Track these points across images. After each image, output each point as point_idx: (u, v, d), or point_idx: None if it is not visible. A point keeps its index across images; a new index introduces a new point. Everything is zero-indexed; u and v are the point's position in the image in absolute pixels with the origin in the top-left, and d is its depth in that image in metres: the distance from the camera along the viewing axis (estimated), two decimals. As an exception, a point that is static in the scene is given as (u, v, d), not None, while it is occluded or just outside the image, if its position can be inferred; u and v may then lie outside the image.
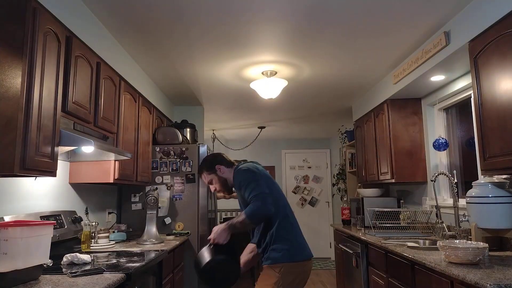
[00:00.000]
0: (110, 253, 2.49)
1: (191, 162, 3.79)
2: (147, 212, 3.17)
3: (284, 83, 3.61)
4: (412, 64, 3.08)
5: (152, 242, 2.98)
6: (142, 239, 3.03)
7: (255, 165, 2.23)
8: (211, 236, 2.08)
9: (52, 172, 1.91)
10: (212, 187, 2.34)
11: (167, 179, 3.76)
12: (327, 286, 5.32)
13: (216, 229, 2.08)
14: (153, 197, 3.18)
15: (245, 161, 2.33)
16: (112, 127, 2.68)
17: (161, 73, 3.64)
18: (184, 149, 3.81)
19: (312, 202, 7.60)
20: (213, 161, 2.29)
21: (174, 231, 3.63)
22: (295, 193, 7.63)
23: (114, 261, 2.20)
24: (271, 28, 2.69)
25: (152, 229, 3.09)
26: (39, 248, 1.67)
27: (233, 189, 2.35)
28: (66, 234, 2.41)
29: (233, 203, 7.58)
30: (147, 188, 3.65)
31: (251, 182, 2.08)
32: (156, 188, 3.60)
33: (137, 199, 3.67)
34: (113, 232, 3.11)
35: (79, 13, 2.26)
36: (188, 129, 4.36)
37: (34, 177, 2.23)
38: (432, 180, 2.88)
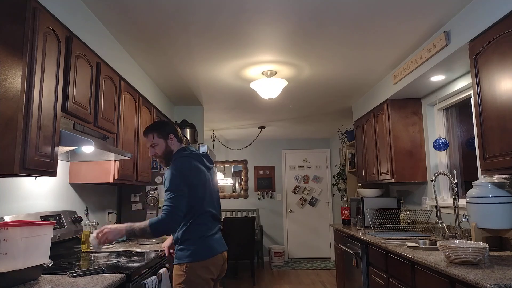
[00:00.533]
0: (110, 253, 2.49)
1: (191, 162, 3.78)
2: (147, 212, 3.18)
3: (284, 83, 3.61)
4: (412, 64, 3.08)
5: (152, 242, 2.98)
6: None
7: (190, 161, 2.15)
8: (102, 232, 1.95)
9: (52, 172, 1.91)
10: (152, 151, 2.23)
11: (167, 179, 3.75)
12: (327, 286, 5.32)
13: (113, 228, 1.96)
14: (153, 197, 3.19)
15: (188, 148, 2.26)
16: (112, 127, 2.68)
17: (161, 73, 3.64)
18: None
19: (312, 202, 7.60)
20: (168, 128, 2.23)
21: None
22: (295, 193, 7.63)
23: (114, 261, 2.20)
24: (271, 28, 2.69)
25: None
26: (39, 248, 1.67)
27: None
28: (66, 234, 2.41)
29: (233, 203, 7.60)
30: (147, 188, 3.66)
31: (173, 185, 2.02)
32: (156, 188, 3.60)
33: (137, 199, 3.67)
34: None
35: (79, 13, 2.26)
36: (188, 129, 4.36)
37: (34, 177, 2.23)
38: (432, 180, 2.88)
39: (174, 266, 2.09)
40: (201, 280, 2.02)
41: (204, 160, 2.27)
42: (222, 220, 5.42)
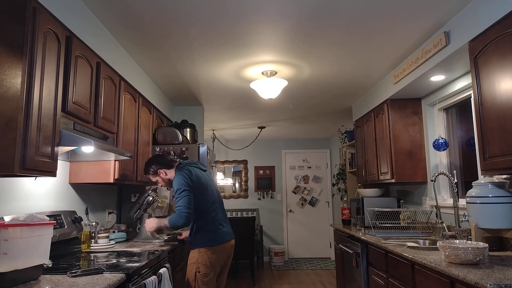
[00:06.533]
0: (110, 253, 2.49)
1: (191, 162, 3.78)
2: (146, 212, 3.19)
3: (284, 83, 3.61)
4: (412, 64, 3.08)
5: (153, 242, 2.97)
6: (141, 238, 3.03)
7: (189, 170, 2.69)
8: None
9: (52, 172, 1.91)
10: (159, 184, 2.82)
11: (167, 179, 3.75)
12: (327, 286, 5.32)
13: (148, 222, 2.79)
14: (152, 198, 3.20)
15: (182, 162, 2.81)
16: (112, 127, 2.68)
17: (161, 73, 3.64)
18: (184, 149, 3.81)
19: (312, 202, 7.60)
20: (156, 166, 2.77)
21: (174, 231, 3.62)
22: (295, 193, 7.63)
23: (114, 261, 2.20)
24: (271, 28, 2.69)
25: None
26: (39, 248, 1.67)
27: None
28: (66, 234, 2.41)
29: (233, 203, 7.60)
30: (147, 188, 3.66)
31: (181, 192, 2.58)
32: (156, 188, 3.60)
33: (137, 199, 3.67)
34: (113, 232, 3.11)
35: (79, 13, 2.26)
36: (188, 129, 4.36)
37: (34, 177, 2.23)
38: (432, 180, 2.88)
39: (191, 250, 2.67)
40: (211, 261, 2.61)
41: (199, 165, 2.85)
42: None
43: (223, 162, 7.71)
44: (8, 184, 2.09)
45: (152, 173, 2.79)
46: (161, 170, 2.77)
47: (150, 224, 2.77)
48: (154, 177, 2.79)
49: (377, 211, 3.60)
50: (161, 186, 2.84)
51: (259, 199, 7.60)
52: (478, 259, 1.95)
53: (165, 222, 2.66)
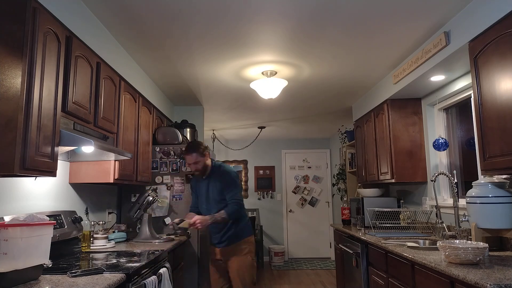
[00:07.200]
0: (110, 253, 2.49)
1: (191, 162, 3.78)
2: (146, 212, 3.19)
3: (284, 83, 3.61)
4: (412, 64, 3.08)
5: (153, 242, 2.97)
6: (141, 238, 3.03)
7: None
8: (198, 221, 2.68)
9: (52, 172, 1.91)
10: (193, 167, 2.88)
11: (167, 179, 3.76)
12: (327, 286, 5.32)
13: (202, 219, 2.71)
14: (152, 198, 3.20)
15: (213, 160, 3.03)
16: (112, 127, 2.68)
17: (161, 73, 3.64)
18: (184, 149, 3.81)
19: (312, 202, 7.60)
20: (205, 149, 2.90)
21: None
22: (295, 193, 7.63)
23: (114, 261, 2.20)
24: (271, 28, 2.69)
25: (147, 229, 3.11)
26: (39, 248, 1.67)
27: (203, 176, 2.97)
28: (66, 234, 2.41)
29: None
30: (147, 188, 3.66)
31: (235, 187, 2.84)
32: (156, 188, 3.60)
33: (137, 199, 3.67)
34: (113, 232, 3.11)
35: (79, 13, 2.26)
36: (188, 129, 4.36)
37: (34, 177, 2.23)
38: (432, 180, 2.88)
39: (239, 242, 2.86)
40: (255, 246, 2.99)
41: None
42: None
43: (223, 162, 7.70)
44: (8, 184, 2.09)
45: (200, 152, 2.84)
46: (207, 153, 2.91)
47: (204, 221, 2.69)
48: (198, 157, 2.84)
49: (377, 211, 3.60)
50: (195, 169, 2.88)
51: (259, 199, 7.60)
52: (478, 259, 1.95)
53: (220, 216, 2.73)
